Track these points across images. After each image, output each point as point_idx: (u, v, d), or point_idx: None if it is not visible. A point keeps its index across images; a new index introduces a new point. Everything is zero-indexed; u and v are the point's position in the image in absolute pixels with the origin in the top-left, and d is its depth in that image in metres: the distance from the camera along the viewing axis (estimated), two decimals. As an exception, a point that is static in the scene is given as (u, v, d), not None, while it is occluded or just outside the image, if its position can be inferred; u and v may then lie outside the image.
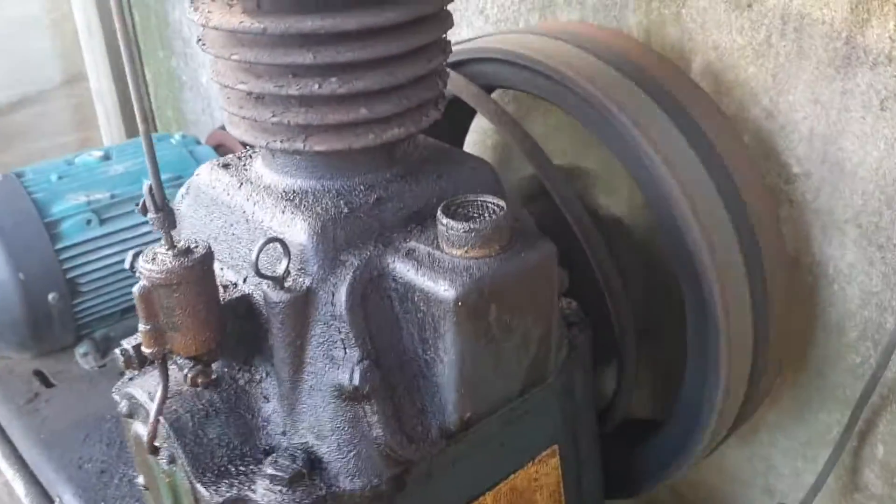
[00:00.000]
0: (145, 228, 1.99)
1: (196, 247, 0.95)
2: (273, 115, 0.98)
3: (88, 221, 1.93)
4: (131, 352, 1.01)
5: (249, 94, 0.99)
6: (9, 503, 2.07)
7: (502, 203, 0.98)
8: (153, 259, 0.94)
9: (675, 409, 1.31)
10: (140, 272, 0.94)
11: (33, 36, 3.07)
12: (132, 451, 1.15)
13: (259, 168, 1.11)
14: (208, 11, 0.98)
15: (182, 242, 0.95)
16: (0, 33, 2.99)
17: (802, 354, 1.41)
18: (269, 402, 1.05)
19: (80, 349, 2.03)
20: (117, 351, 1.03)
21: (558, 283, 1.13)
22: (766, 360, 1.29)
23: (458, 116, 1.53)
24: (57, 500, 1.69)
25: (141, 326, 0.96)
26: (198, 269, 0.94)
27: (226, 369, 1.08)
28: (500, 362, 1.00)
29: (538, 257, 0.99)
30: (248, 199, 1.06)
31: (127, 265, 1.17)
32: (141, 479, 1.15)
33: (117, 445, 1.76)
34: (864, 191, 1.24)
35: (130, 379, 1.12)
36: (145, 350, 0.97)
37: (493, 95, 1.67)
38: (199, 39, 1.04)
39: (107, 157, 2.07)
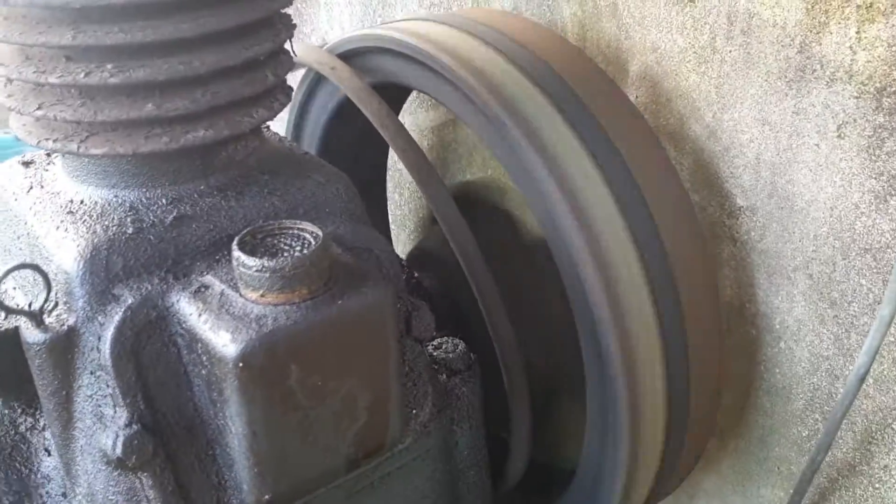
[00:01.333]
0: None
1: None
2: (39, 108, 0.78)
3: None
4: None
5: (9, 80, 0.79)
6: None
7: (320, 233, 0.77)
8: None
9: (576, 473, 1.10)
10: None
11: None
12: None
13: (58, 169, 0.91)
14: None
15: None
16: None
17: (743, 419, 1.18)
18: (50, 455, 0.86)
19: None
20: None
21: (420, 330, 0.92)
22: (686, 427, 1.07)
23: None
24: None
25: None
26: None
27: (6, 411, 0.89)
28: (310, 434, 0.79)
29: (362, 305, 0.78)
30: (31, 208, 0.87)
31: None
32: None
33: None
34: (816, 234, 1.01)
35: None
36: None
37: (414, 97, 1.46)
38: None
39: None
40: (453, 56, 1.01)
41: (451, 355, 1.04)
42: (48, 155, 0.96)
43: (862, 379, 0.96)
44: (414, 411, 0.93)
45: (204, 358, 0.76)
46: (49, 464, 0.87)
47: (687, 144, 1.12)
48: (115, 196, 0.84)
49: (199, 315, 0.76)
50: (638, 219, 0.98)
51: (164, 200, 0.84)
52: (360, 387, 0.81)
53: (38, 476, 0.87)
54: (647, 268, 0.97)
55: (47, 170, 0.92)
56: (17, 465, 0.88)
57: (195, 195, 0.85)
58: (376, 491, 0.96)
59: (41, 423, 0.88)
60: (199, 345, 0.76)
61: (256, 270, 0.74)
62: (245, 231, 0.78)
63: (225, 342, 0.73)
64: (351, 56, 1.17)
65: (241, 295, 0.76)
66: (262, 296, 0.75)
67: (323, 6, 1.74)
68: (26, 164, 0.94)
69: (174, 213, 0.83)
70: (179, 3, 0.75)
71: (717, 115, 1.07)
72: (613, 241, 0.96)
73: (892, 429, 1.02)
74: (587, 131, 0.99)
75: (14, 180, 0.92)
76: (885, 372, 0.99)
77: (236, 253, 0.75)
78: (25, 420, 0.89)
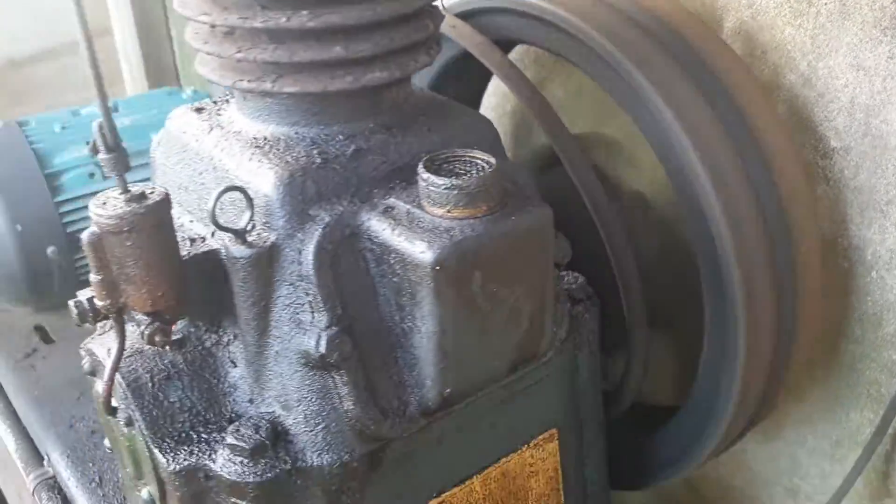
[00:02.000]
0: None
1: (151, 192, 0.86)
2: (239, 52, 0.89)
3: (91, 175, 1.86)
4: (86, 304, 0.92)
5: (213, 26, 0.90)
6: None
7: (493, 160, 0.88)
8: (104, 204, 0.85)
9: (689, 397, 1.20)
10: (90, 217, 0.86)
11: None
12: (98, 411, 1.08)
13: (232, 112, 1.02)
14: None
15: (137, 187, 0.87)
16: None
17: (835, 347, 1.28)
18: (236, 367, 0.97)
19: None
20: (71, 303, 0.95)
21: (557, 253, 1.02)
22: (791, 352, 1.17)
23: (472, 75, 1.41)
24: (45, 457, 1.63)
25: (92, 277, 0.87)
26: (152, 216, 0.85)
27: (192, 329, 0.99)
28: (485, 336, 0.90)
29: (531, 222, 0.88)
30: (216, 146, 0.97)
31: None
32: (106, 441, 1.08)
33: (108, 408, 1.70)
34: (909, 168, 1.11)
35: (101, 335, 1.05)
36: (98, 303, 0.89)
37: (514, 54, 1.56)
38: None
39: (114, 110, 2.00)
40: (578, 14, 1.11)
41: (573, 286, 1.15)
42: (215, 102, 1.07)
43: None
44: (555, 329, 1.03)
45: (397, 267, 0.86)
46: (235, 374, 0.97)
47: (782, 93, 1.21)
48: (297, 133, 0.95)
49: (393, 230, 0.86)
50: (753, 161, 1.08)
51: (340, 136, 0.95)
52: (525, 296, 0.91)
53: (225, 385, 0.98)
54: (762, 207, 1.07)
55: (220, 114, 1.03)
56: (206, 376, 0.98)
57: (367, 132, 0.95)
58: (517, 403, 1.07)
59: (224, 339, 0.98)
60: (393, 255, 0.86)
61: (445, 188, 0.84)
62: (425, 157, 0.89)
63: (422, 250, 0.83)
64: (468, 16, 1.27)
65: (426, 212, 0.86)
66: (448, 211, 0.85)
67: None
68: (198, 110, 1.05)
69: (352, 147, 0.93)
70: (372, -45, 0.85)
71: (811, 64, 1.17)
72: (735, 183, 1.06)
73: (981, 345, 1.11)
74: (705, 82, 1.09)
75: (192, 124, 1.02)
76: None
77: (424, 174, 0.86)
78: (210, 337, 0.99)
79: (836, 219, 1.22)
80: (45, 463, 1.65)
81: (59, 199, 1.82)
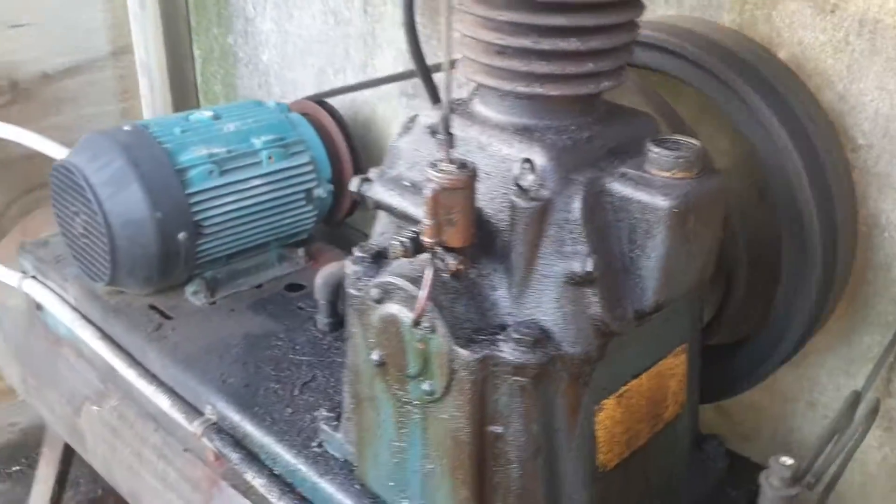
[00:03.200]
0: (257, 182, 2.24)
1: (467, 163, 1.24)
2: (521, 65, 1.28)
3: (210, 172, 2.16)
4: (408, 243, 1.28)
5: (505, 48, 1.28)
6: (119, 426, 2.26)
7: (696, 141, 1.31)
8: (441, 170, 1.22)
9: (769, 317, 1.66)
10: (431, 178, 1.22)
11: (86, 7, 3.23)
12: (373, 331, 1.41)
13: (481, 110, 1.40)
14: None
15: (456, 159, 1.24)
16: (56, 4, 3.14)
17: (855, 290, 1.78)
18: (496, 290, 1.34)
19: (191, 287, 2.26)
20: (394, 241, 1.30)
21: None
22: (833, 288, 1.65)
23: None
24: (209, 407, 1.92)
25: (427, 221, 1.23)
26: (473, 177, 1.23)
27: (461, 267, 1.36)
28: (688, 260, 1.32)
29: (719, 183, 1.32)
30: (481, 133, 1.36)
31: (353, 188, 1.45)
32: (375, 356, 1.42)
33: (253, 366, 2.00)
34: (917, 158, 1.62)
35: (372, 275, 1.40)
36: (426, 240, 1.24)
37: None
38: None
39: (217, 117, 2.30)
40: (700, 47, 1.56)
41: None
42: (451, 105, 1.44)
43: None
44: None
45: (636, 213, 1.27)
46: (495, 295, 1.34)
47: (823, 106, 1.71)
48: (543, 124, 1.34)
49: (633, 188, 1.27)
50: (817, 158, 1.56)
51: (573, 127, 1.35)
52: (711, 237, 1.34)
53: (488, 304, 1.35)
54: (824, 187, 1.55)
55: (470, 112, 1.41)
56: (476, 297, 1.35)
57: (588, 123, 1.36)
58: (670, 317, 1.48)
59: (484, 272, 1.35)
60: (634, 205, 1.27)
61: (673, 158, 1.26)
62: (649, 139, 1.30)
63: (661, 199, 1.25)
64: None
65: (653, 175, 1.28)
66: (672, 174, 1.27)
67: None
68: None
69: (586, 134, 1.34)
70: (618, 2, 1.27)
71: (846, 87, 1.67)
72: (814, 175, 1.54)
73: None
74: (789, 103, 1.57)
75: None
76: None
77: (655, 149, 1.28)
78: (473, 271, 1.36)
79: (859, 196, 1.71)
80: (207, 412, 1.94)
81: (189, 191, 2.12)
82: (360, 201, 1.51)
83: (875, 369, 1.74)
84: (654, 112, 1.61)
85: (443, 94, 1.22)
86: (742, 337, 1.78)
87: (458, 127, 1.38)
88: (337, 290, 2.11)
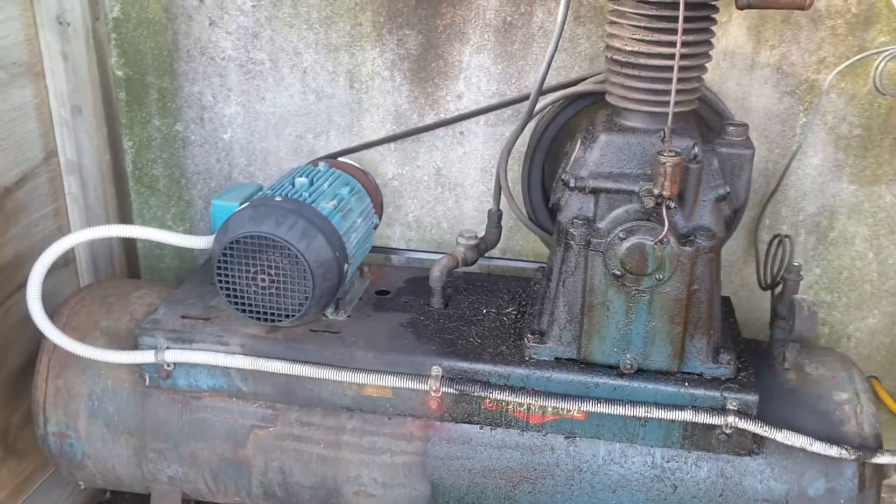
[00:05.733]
0: (357, 220, 3.05)
1: (680, 151, 2.43)
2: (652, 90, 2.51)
3: (342, 218, 2.94)
4: (651, 198, 2.41)
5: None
6: (302, 432, 2.87)
7: (744, 122, 2.66)
8: (669, 155, 2.39)
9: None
10: (666, 161, 2.38)
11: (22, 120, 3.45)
12: (616, 258, 2.51)
13: (616, 121, 2.58)
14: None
15: (674, 148, 2.42)
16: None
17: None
18: (677, 214, 2.55)
19: (330, 309, 2.98)
20: (646, 199, 2.42)
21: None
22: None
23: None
24: (435, 367, 2.73)
25: (667, 184, 2.38)
26: (681, 158, 2.43)
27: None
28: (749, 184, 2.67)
29: (752, 148, 2.69)
30: (633, 134, 2.55)
31: (571, 183, 2.55)
32: (617, 271, 2.51)
33: (433, 333, 2.86)
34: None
35: (590, 233, 2.50)
36: (666, 193, 2.39)
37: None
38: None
39: (311, 182, 3.02)
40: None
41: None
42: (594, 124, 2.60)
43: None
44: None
45: (734, 161, 2.58)
46: (677, 217, 2.55)
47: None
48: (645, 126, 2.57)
49: (731, 147, 2.58)
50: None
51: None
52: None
53: (678, 222, 2.55)
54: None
55: (616, 120, 2.58)
56: (673, 220, 2.55)
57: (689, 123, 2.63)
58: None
59: (673, 206, 2.56)
60: (734, 157, 2.58)
61: (742, 129, 2.60)
62: (725, 123, 2.62)
63: (745, 150, 2.57)
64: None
65: (735, 140, 2.60)
66: (742, 139, 2.60)
67: (462, 78, 3.31)
68: (622, 130, 2.57)
69: (694, 126, 2.61)
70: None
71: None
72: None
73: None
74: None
75: (627, 129, 2.55)
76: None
77: (730, 128, 2.60)
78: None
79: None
80: (433, 372, 2.78)
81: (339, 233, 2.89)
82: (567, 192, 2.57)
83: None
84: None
85: (670, 114, 2.39)
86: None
87: (633, 132, 2.54)
88: (447, 280, 3.04)
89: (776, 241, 2.98)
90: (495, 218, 3.15)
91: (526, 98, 3.10)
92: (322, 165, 3.18)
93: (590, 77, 3.03)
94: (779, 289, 2.90)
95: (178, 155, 3.64)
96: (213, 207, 3.02)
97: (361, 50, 3.32)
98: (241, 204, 2.95)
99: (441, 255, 3.07)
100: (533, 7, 3.15)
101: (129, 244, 3.90)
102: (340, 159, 3.36)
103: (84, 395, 3.00)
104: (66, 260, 3.63)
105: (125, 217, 3.76)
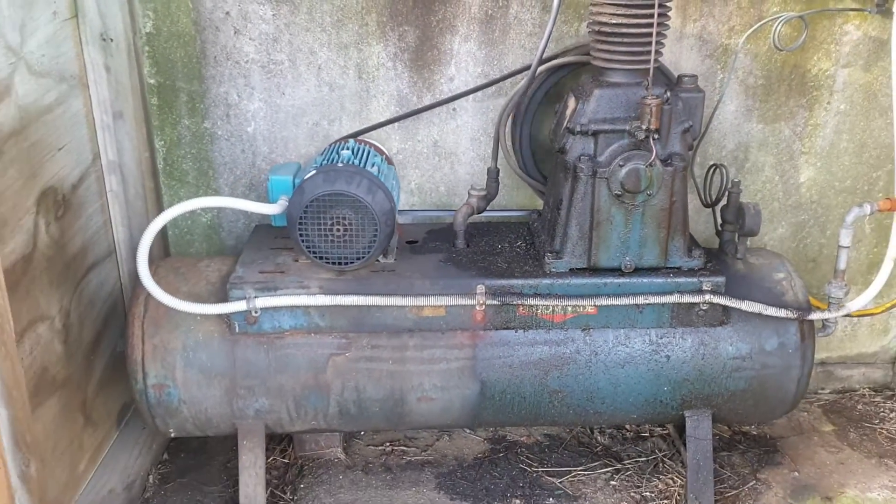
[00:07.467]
0: (394, 184, 3.73)
1: (661, 95, 3.28)
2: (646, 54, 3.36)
3: (384, 178, 3.63)
4: (641, 131, 3.24)
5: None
6: (373, 353, 3.52)
7: (693, 74, 3.55)
8: (654, 98, 3.23)
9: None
10: (652, 102, 3.21)
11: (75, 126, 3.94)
12: (618, 182, 3.32)
13: (600, 77, 3.42)
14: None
15: (657, 93, 3.26)
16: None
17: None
18: (657, 144, 3.39)
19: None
20: (638, 133, 3.25)
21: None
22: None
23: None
24: (480, 286, 3.46)
25: (653, 120, 3.22)
26: (664, 101, 3.27)
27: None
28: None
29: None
30: (611, 86, 3.39)
31: (576, 129, 3.39)
32: (618, 191, 3.33)
33: (471, 265, 3.60)
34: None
35: (595, 164, 3.32)
36: (652, 127, 3.23)
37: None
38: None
39: (353, 153, 3.68)
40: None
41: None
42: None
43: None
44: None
45: (691, 102, 3.45)
46: (657, 147, 3.40)
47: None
48: (627, 80, 3.42)
49: (689, 93, 3.45)
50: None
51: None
52: (695, 108, 3.60)
53: (657, 149, 3.40)
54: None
55: (601, 79, 3.40)
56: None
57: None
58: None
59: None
60: (691, 99, 3.44)
61: (694, 80, 3.47)
62: (680, 75, 3.49)
63: (698, 95, 3.45)
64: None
65: (689, 87, 3.48)
66: (695, 86, 3.48)
67: (453, 63, 4.05)
68: (597, 80, 3.39)
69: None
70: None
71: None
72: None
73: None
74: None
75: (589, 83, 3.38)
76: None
77: (684, 79, 3.47)
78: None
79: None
80: (479, 291, 3.51)
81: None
82: (568, 136, 3.37)
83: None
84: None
85: (651, 69, 3.23)
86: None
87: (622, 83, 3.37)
88: (467, 225, 3.78)
89: (713, 170, 3.89)
90: (494, 174, 3.90)
91: (506, 77, 3.90)
92: (351, 142, 3.84)
93: (563, 53, 3.84)
94: (722, 203, 3.80)
95: (206, 149, 4.18)
96: (270, 182, 3.63)
97: (368, 46, 4.00)
98: (294, 176, 3.58)
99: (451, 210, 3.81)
100: (509, 1, 3.94)
101: (161, 234, 4.40)
102: (360, 138, 4.03)
103: (179, 349, 3.52)
104: (109, 251, 4.12)
105: (161, 210, 4.27)
